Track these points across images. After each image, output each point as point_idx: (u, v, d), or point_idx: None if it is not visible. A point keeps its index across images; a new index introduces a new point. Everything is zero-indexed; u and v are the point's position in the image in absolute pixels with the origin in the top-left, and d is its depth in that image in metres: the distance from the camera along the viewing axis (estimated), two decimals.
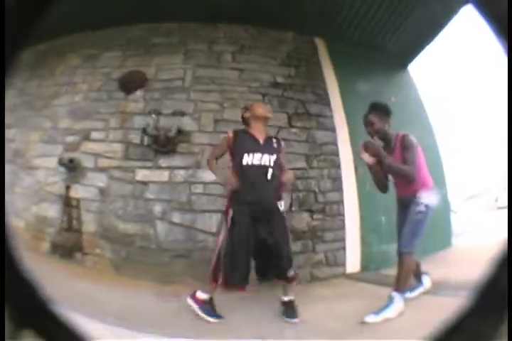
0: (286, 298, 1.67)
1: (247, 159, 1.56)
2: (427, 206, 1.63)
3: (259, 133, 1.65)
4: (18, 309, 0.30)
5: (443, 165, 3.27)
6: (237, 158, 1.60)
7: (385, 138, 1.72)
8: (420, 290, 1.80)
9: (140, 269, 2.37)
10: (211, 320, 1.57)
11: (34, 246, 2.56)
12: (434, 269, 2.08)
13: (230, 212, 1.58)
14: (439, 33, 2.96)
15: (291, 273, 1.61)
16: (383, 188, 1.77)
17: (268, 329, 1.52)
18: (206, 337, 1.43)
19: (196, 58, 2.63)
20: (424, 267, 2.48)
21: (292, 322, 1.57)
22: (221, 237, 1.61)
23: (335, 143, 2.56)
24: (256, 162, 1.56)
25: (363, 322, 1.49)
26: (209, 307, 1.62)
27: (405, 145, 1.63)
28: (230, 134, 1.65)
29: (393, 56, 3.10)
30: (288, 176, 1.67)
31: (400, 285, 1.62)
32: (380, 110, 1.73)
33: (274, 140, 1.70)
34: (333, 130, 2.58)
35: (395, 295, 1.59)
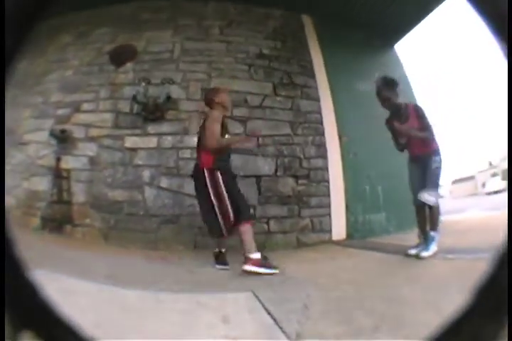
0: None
1: None
2: (440, 162, 1.82)
3: None
4: (18, 310, 0.29)
5: None
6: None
7: (396, 109, 1.88)
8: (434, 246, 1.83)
9: (128, 237, 2.35)
10: (273, 271, 1.63)
11: (25, 223, 2.52)
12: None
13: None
14: (427, 13, 3.00)
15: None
16: (402, 148, 1.97)
17: (256, 282, 1.50)
18: (192, 291, 1.41)
19: (185, 33, 2.65)
20: (407, 236, 2.48)
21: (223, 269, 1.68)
22: None
23: (319, 112, 2.58)
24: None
25: (418, 256, 1.71)
26: (264, 262, 1.68)
27: (421, 114, 1.84)
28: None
29: (380, 35, 3.14)
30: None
31: (436, 226, 1.81)
32: (392, 84, 1.89)
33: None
34: (317, 100, 2.60)
35: (435, 234, 1.79)
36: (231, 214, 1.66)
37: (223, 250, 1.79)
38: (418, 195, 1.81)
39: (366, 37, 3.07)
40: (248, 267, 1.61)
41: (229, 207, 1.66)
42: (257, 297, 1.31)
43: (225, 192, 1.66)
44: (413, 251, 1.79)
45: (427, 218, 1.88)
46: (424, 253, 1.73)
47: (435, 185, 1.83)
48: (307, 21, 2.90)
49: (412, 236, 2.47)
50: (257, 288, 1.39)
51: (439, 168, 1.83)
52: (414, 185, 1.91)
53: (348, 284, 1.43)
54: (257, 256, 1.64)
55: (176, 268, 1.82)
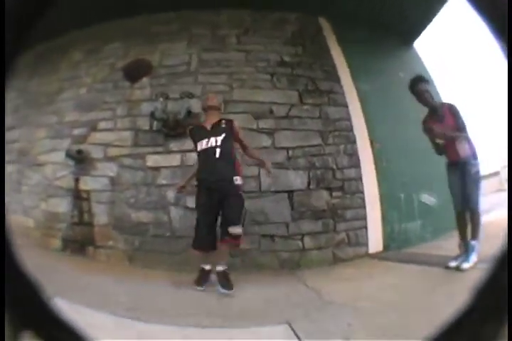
0: (220, 268, 1.67)
1: (200, 146, 1.74)
2: (479, 165, 1.76)
3: (209, 121, 1.79)
4: (18, 310, 0.28)
5: None
6: (196, 148, 1.78)
7: (432, 107, 1.84)
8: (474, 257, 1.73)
9: (154, 259, 2.19)
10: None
11: (45, 244, 2.38)
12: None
13: (197, 190, 1.76)
14: (441, 8, 2.81)
15: (235, 229, 1.64)
16: (440, 151, 1.89)
17: (296, 313, 1.32)
18: (224, 327, 1.22)
19: (200, 43, 2.49)
20: (444, 243, 2.33)
21: (227, 293, 1.58)
22: None
23: (348, 119, 2.38)
24: (204, 146, 1.73)
25: (459, 268, 1.64)
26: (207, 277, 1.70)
27: (456, 113, 1.77)
28: (188, 132, 1.86)
29: (398, 33, 2.95)
30: (252, 152, 1.84)
31: (477, 234, 1.72)
32: (425, 80, 1.88)
33: (224, 121, 1.79)
34: (345, 106, 2.41)
35: (475, 243, 1.70)
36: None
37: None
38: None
39: (385, 36, 2.90)
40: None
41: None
42: (293, 330, 1.13)
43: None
44: (453, 264, 1.70)
45: (467, 225, 1.78)
46: (465, 265, 1.65)
47: (476, 189, 1.75)
48: (324, 23, 2.73)
49: (448, 243, 2.28)
50: (293, 318, 1.22)
51: (478, 172, 1.77)
52: (454, 191, 1.83)
53: (390, 307, 1.25)
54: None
55: (205, 295, 1.63)
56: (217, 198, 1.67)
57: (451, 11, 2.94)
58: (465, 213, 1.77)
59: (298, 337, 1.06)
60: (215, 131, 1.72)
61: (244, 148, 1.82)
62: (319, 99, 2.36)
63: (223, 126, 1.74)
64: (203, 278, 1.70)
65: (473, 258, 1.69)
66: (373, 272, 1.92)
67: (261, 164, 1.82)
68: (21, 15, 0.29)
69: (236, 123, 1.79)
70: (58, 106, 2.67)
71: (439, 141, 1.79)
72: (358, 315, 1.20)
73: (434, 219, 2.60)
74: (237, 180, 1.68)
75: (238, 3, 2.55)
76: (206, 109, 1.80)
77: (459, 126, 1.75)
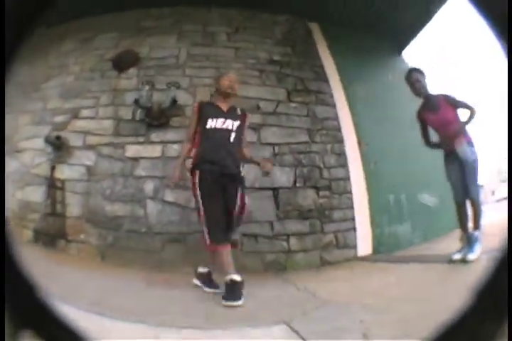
0: (231, 277, 1.33)
1: (211, 123, 1.54)
2: (476, 153, 1.71)
3: (224, 104, 1.61)
4: (18, 310, 0.28)
5: None
6: (202, 123, 1.56)
7: (427, 98, 1.81)
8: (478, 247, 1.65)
9: (128, 256, 1.99)
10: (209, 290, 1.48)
11: (17, 235, 2.18)
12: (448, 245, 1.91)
13: (197, 173, 1.49)
14: (431, 16, 2.86)
15: (236, 233, 1.55)
16: (429, 143, 1.88)
17: (292, 312, 1.16)
18: (201, 328, 1.05)
19: (190, 38, 2.44)
20: (439, 244, 2.22)
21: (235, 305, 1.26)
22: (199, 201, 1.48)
23: (336, 119, 2.32)
24: (219, 125, 1.53)
25: (465, 260, 1.55)
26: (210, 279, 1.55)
27: (453, 102, 1.75)
28: (196, 104, 1.66)
29: (387, 41, 2.98)
30: (247, 151, 1.62)
31: (479, 224, 1.65)
32: (420, 71, 1.84)
33: (239, 109, 1.65)
34: (333, 106, 2.36)
35: (478, 234, 1.63)
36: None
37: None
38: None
39: (374, 43, 2.92)
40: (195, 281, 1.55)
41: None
42: (296, 332, 0.96)
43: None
44: (458, 256, 1.62)
45: (468, 216, 1.73)
46: (471, 256, 1.57)
47: (475, 179, 1.71)
48: (314, 27, 2.73)
49: (439, 246, 2.20)
50: (290, 318, 1.05)
51: (476, 161, 1.72)
52: (453, 181, 1.77)
53: (404, 302, 1.11)
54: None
55: (183, 295, 1.44)
56: (222, 185, 1.45)
57: (445, 16, 3.00)
58: (465, 204, 1.72)
59: (302, 338, 0.90)
60: (232, 115, 1.55)
61: (243, 144, 1.59)
62: (307, 98, 2.30)
63: (239, 113, 1.59)
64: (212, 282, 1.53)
65: (478, 248, 1.61)
66: (369, 272, 1.79)
67: (259, 164, 1.56)
68: (21, 15, 0.28)
69: (249, 116, 1.64)
70: (44, 93, 2.55)
71: (432, 128, 1.76)
72: (369, 311, 1.05)
73: (423, 221, 2.52)
74: (242, 172, 1.51)
75: (229, 1, 2.54)
76: (227, 93, 1.56)
77: (456, 116, 1.73)
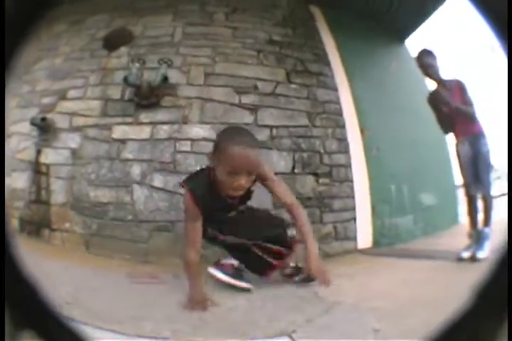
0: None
1: None
2: (488, 145, 1.60)
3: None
4: (18, 309, 0.27)
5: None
6: None
7: (439, 82, 1.69)
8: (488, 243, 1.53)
9: (113, 246, 1.79)
10: (245, 284, 1.18)
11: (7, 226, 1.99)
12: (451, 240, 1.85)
13: None
14: (437, 8, 2.66)
15: None
16: (447, 128, 1.74)
17: (289, 316, 0.95)
18: (190, 337, 0.83)
19: (187, 17, 2.23)
20: (440, 240, 2.08)
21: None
22: None
23: (337, 103, 2.10)
24: None
25: (474, 258, 1.43)
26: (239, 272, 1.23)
27: (464, 89, 1.63)
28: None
29: (390, 29, 2.77)
30: None
31: (490, 221, 1.54)
32: (432, 54, 1.71)
33: None
34: (334, 89, 2.14)
35: (489, 230, 1.52)
36: None
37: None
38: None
39: (377, 30, 2.71)
40: (213, 270, 1.20)
41: None
42: None
43: None
44: (466, 254, 1.50)
45: (478, 211, 1.61)
46: (481, 254, 1.46)
47: (488, 172, 1.60)
48: (316, 11, 2.52)
49: (440, 240, 2.08)
50: (292, 326, 0.85)
51: (489, 152, 1.61)
52: (464, 172, 1.66)
53: (417, 305, 0.93)
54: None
55: (169, 294, 1.20)
56: None
57: (447, 10, 2.79)
58: (476, 198, 1.60)
59: None
60: None
61: None
62: (308, 80, 2.09)
63: None
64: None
65: (488, 246, 1.49)
66: (373, 268, 1.59)
67: None
68: (21, 15, 0.27)
69: None
70: (33, 76, 2.34)
71: (445, 110, 1.62)
72: (381, 317, 0.87)
73: (425, 214, 2.31)
74: None
75: None
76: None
77: (467, 102, 1.62)
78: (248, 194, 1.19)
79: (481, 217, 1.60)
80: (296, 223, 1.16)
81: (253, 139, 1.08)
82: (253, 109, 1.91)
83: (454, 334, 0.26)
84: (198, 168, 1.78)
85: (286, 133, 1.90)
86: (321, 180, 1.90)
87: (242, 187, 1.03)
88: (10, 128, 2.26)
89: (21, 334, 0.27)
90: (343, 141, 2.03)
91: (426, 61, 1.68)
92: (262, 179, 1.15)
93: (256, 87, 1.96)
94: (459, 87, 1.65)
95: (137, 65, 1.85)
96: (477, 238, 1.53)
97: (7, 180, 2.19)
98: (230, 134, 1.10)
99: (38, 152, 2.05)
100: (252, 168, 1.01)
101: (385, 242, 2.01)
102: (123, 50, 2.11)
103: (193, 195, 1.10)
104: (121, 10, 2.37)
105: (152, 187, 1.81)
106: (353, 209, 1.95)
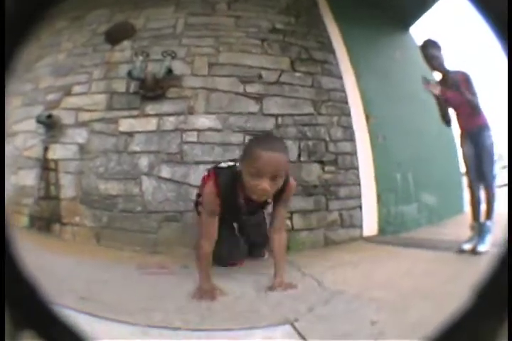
0: None
1: None
2: (492, 138, 1.57)
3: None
4: (18, 309, 0.27)
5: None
6: None
7: (444, 73, 1.65)
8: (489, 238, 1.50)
9: (123, 238, 1.80)
10: None
11: (14, 222, 2.01)
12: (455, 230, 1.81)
13: None
14: None
15: None
16: (449, 121, 1.69)
17: (290, 304, 0.96)
18: (199, 326, 0.82)
19: (188, 8, 2.20)
20: (445, 230, 2.07)
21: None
22: None
23: (343, 90, 2.07)
24: None
25: (475, 251, 1.42)
26: None
27: (470, 81, 1.60)
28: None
29: (395, 17, 2.70)
30: None
31: (492, 214, 1.52)
32: (437, 45, 1.66)
33: None
34: (339, 77, 2.11)
35: (491, 224, 1.50)
36: None
37: None
38: (474, 179, 1.55)
39: (382, 18, 2.65)
40: None
41: None
42: (299, 333, 0.74)
43: None
44: (468, 246, 1.49)
45: (481, 203, 1.58)
46: (482, 248, 1.44)
47: (492, 164, 1.57)
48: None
49: (445, 230, 2.06)
50: (295, 315, 0.85)
51: (493, 145, 1.58)
52: (468, 164, 1.63)
53: (418, 298, 0.93)
54: None
55: (178, 284, 1.19)
56: None
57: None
58: (479, 190, 1.56)
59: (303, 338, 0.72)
60: None
61: None
62: (312, 68, 2.06)
63: None
64: None
65: (489, 239, 1.46)
66: (377, 256, 1.59)
67: None
68: (21, 15, 0.27)
69: None
70: (36, 73, 2.34)
71: (441, 97, 1.60)
72: (381, 308, 0.86)
73: (430, 204, 2.30)
74: None
75: None
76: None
77: (472, 93, 1.57)
78: (264, 203, 1.17)
79: (483, 208, 1.58)
80: (273, 245, 1.16)
81: (280, 144, 1.05)
82: (258, 98, 1.89)
83: (454, 334, 0.26)
84: (205, 159, 1.80)
85: (291, 122, 1.89)
86: (326, 168, 1.89)
87: (266, 192, 0.97)
88: (15, 126, 2.28)
89: (21, 334, 0.26)
90: (348, 128, 2.01)
91: (430, 52, 1.63)
92: (279, 194, 1.09)
93: (260, 76, 1.93)
94: (464, 79, 1.60)
95: (141, 57, 1.84)
96: (479, 231, 1.51)
97: (14, 178, 2.22)
98: (258, 139, 1.11)
99: (46, 149, 2.06)
100: (276, 170, 0.95)
101: (390, 230, 2.00)
102: (126, 43, 2.09)
103: (219, 189, 1.06)
104: (122, 3, 2.34)
105: (160, 178, 1.81)
106: (359, 196, 1.94)
